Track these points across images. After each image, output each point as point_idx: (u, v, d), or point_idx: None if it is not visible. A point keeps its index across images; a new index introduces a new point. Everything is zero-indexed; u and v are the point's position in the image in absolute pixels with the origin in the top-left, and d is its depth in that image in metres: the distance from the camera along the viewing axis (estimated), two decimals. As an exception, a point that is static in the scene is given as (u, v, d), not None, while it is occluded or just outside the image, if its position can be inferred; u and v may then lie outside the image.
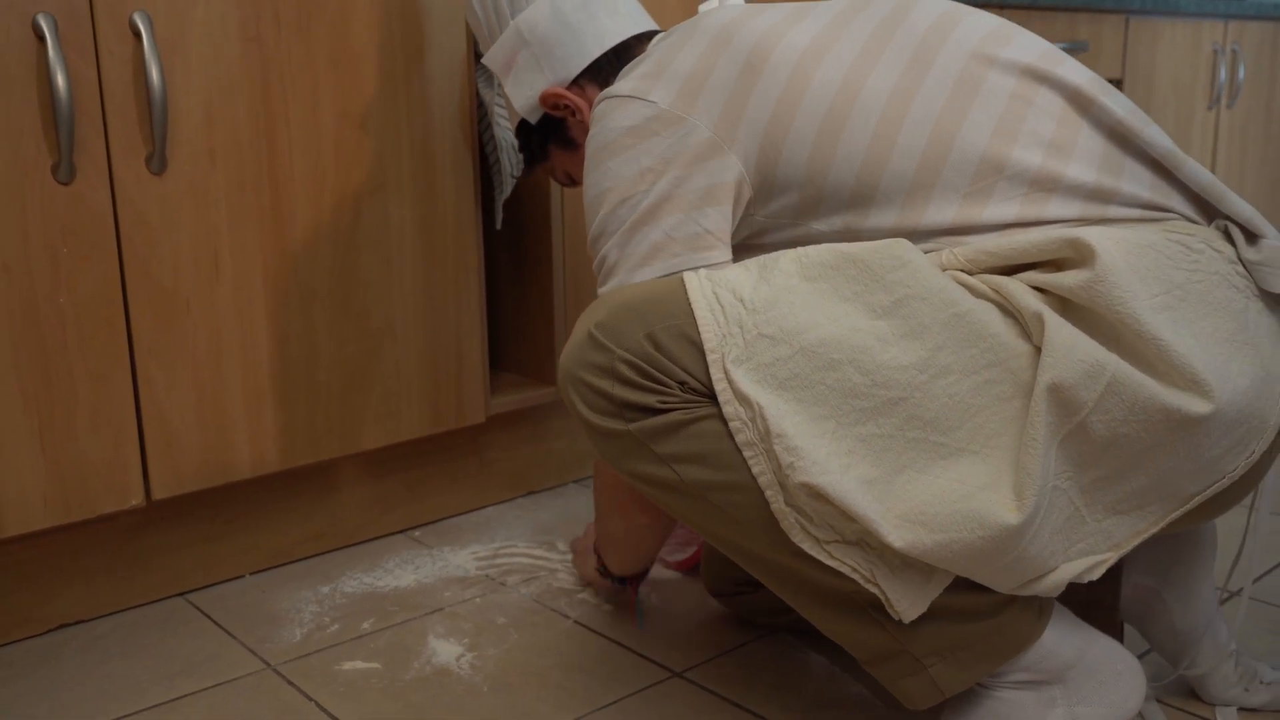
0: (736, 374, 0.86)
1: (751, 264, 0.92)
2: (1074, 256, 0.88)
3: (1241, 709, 1.12)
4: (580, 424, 0.93)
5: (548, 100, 1.19)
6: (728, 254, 0.99)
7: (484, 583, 1.45)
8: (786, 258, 0.91)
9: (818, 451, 0.84)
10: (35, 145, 1.19)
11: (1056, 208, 0.93)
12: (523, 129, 1.26)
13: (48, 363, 1.23)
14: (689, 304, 0.89)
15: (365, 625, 1.34)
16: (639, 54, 1.14)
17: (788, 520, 0.86)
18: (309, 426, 1.44)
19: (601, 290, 1.01)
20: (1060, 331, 0.85)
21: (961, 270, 0.92)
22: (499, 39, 1.22)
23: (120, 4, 1.23)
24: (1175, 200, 0.96)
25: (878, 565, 0.87)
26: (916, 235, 0.95)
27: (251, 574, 1.49)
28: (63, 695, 1.20)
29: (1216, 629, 1.11)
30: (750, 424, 0.86)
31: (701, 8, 1.17)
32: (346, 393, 1.47)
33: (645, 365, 0.88)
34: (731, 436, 0.87)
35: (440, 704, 1.17)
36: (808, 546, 0.87)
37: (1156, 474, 0.88)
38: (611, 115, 1.01)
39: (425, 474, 1.64)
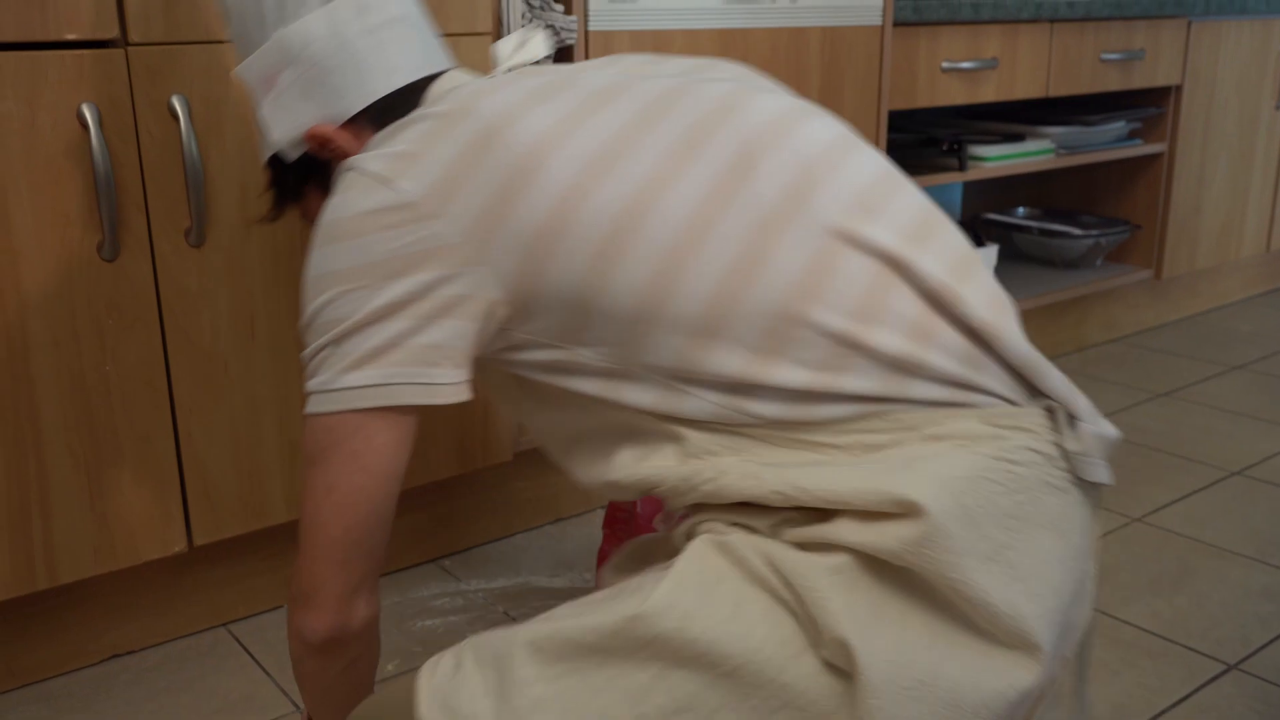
0: None
1: (488, 670, 0.79)
2: (899, 513, 0.77)
3: None
4: None
5: (314, 139, 0.99)
6: (459, 375, 0.87)
7: (504, 622, 1.54)
8: (521, 656, 0.78)
9: None
10: (81, 226, 1.27)
11: (853, 380, 0.82)
12: (275, 161, 1.05)
13: (94, 425, 1.32)
14: None
15: (389, 667, 1.43)
16: (430, 98, 0.99)
17: None
18: (341, 471, 1.53)
19: (309, 385, 0.88)
20: (873, 669, 0.74)
21: (762, 538, 0.81)
22: (258, 50, 1.00)
23: (159, 89, 1.29)
24: (988, 376, 0.84)
25: None
26: (697, 380, 0.84)
27: (289, 604, 1.59)
28: (111, 731, 1.31)
29: None
30: None
31: (496, 46, 1.06)
32: (377, 439, 1.55)
33: None
34: None
35: (450, 758, 1.25)
36: None
37: None
38: (351, 191, 0.87)
39: (454, 507, 1.72)
